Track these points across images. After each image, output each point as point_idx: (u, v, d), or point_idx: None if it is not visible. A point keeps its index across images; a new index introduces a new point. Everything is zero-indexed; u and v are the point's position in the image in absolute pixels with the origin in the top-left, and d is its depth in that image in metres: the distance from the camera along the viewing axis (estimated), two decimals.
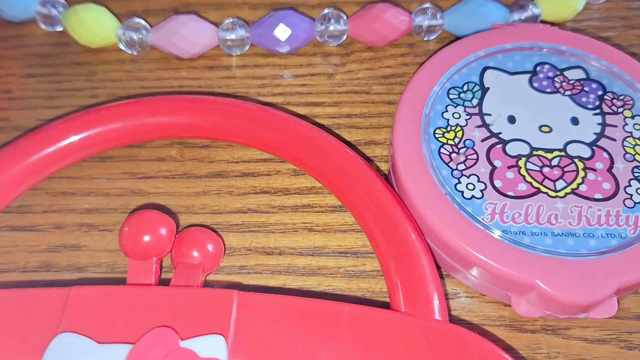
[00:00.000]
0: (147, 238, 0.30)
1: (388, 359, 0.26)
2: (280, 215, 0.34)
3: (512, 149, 0.31)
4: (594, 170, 0.31)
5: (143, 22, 0.38)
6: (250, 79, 0.38)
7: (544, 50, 0.35)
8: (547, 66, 0.34)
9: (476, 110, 0.33)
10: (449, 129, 0.32)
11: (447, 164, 0.31)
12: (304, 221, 0.33)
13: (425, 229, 0.30)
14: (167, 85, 0.38)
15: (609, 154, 0.31)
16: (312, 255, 0.32)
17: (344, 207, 0.33)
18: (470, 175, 0.31)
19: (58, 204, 0.34)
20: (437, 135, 0.32)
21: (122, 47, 0.38)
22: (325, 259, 0.32)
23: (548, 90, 0.33)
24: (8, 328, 0.27)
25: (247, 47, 0.38)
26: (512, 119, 0.32)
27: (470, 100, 0.33)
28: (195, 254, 0.31)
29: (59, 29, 0.40)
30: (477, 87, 0.33)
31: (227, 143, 0.35)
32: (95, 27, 0.38)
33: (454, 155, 0.31)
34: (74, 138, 0.33)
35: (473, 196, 0.30)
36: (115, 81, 0.38)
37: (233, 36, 0.38)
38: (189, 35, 0.37)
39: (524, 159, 0.31)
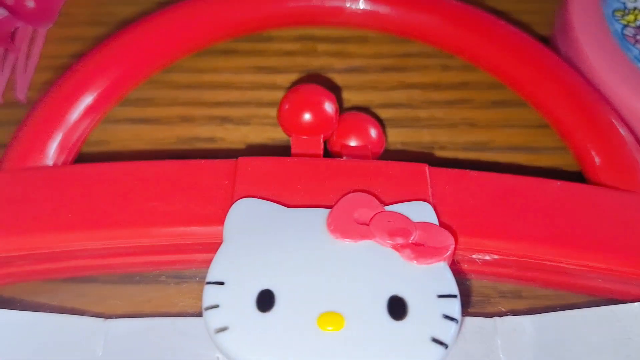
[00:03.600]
0: (315, 112, 0.26)
1: (603, 235, 0.23)
2: (433, 110, 0.30)
3: None
4: None
5: None
6: None
7: None
8: None
9: None
10: (627, 11, 0.29)
11: (633, 45, 0.28)
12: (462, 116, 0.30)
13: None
14: None
15: None
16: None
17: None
18: None
19: (183, 97, 0.30)
20: (616, 17, 0.29)
21: None
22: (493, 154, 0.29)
23: None
24: (183, 192, 0.23)
25: None
26: None
27: None
28: (360, 137, 0.27)
29: None
30: None
31: (360, 35, 0.32)
32: None
33: (638, 37, 0.28)
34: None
35: None
36: None
37: None
38: None
39: None
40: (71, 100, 0.27)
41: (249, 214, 0.22)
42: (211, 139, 0.29)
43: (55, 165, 0.25)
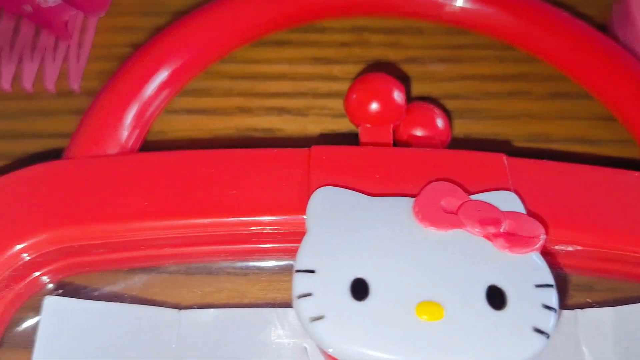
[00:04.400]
0: (384, 101, 0.26)
1: None
2: (492, 101, 0.30)
3: None
4: None
5: None
6: None
7: None
8: None
9: None
10: None
11: None
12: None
13: None
14: None
15: None
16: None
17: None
18: None
19: (239, 87, 0.30)
20: None
21: None
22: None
23: None
24: (258, 181, 0.23)
25: None
26: None
27: None
28: (428, 126, 0.26)
29: None
30: None
31: (414, 26, 0.32)
32: None
33: None
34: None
35: None
36: None
37: None
38: None
39: None
40: (134, 90, 0.26)
41: (331, 202, 0.22)
42: (269, 130, 0.29)
43: (124, 153, 0.25)
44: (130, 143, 0.25)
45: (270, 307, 0.23)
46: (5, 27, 0.31)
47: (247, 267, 0.25)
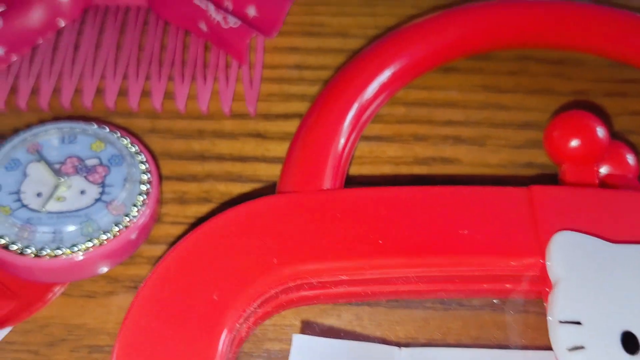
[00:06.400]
0: (588, 139, 0.26)
1: None
2: None
3: None
4: None
5: None
6: None
7: None
8: None
9: None
10: None
11: None
12: None
13: None
14: None
15: None
16: None
17: None
18: None
19: (413, 114, 0.30)
20: None
21: None
22: None
23: None
24: (483, 220, 0.24)
25: None
26: None
27: None
28: (622, 164, 0.26)
29: None
30: None
31: (577, 58, 0.32)
32: None
33: None
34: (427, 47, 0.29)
35: None
36: None
37: None
38: None
39: None
40: (335, 125, 0.26)
41: (573, 248, 0.22)
42: (447, 159, 0.29)
43: (343, 189, 0.25)
44: (338, 175, 0.25)
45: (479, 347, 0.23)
46: (174, 45, 0.31)
47: (449, 302, 0.25)
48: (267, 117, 0.30)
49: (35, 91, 0.30)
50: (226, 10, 0.31)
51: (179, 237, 0.26)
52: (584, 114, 0.26)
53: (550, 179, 0.28)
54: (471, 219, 0.23)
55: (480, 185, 0.25)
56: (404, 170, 0.29)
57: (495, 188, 0.24)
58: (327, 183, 0.25)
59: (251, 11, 0.31)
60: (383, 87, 0.28)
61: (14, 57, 0.30)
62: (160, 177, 0.28)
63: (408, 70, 0.28)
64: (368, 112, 0.27)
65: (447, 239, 0.23)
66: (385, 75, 0.28)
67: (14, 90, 0.30)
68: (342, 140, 0.26)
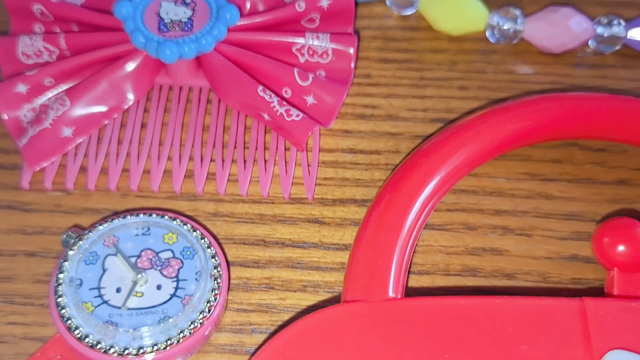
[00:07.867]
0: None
1: None
2: None
3: None
4: None
5: (518, 10, 0.35)
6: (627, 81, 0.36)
7: None
8: None
9: None
10: None
11: None
12: None
13: None
14: (541, 81, 0.36)
15: None
16: None
17: None
18: None
19: (463, 202, 0.32)
20: None
21: (489, 35, 0.36)
22: None
23: None
24: (539, 335, 0.25)
25: (618, 47, 0.36)
26: None
27: None
28: None
29: (410, 12, 0.37)
30: None
31: (619, 146, 0.34)
32: (468, 13, 0.35)
33: None
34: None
35: None
36: (481, 72, 0.36)
37: (606, 33, 0.35)
38: (574, 28, 0.35)
39: None
40: (395, 231, 0.28)
41: None
42: (497, 250, 0.31)
43: (404, 298, 0.26)
44: (402, 280, 0.27)
45: None
46: (236, 127, 0.33)
47: None
48: (323, 202, 0.32)
49: (103, 171, 0.32)
50: (285, 96, 0.32)
51: (243, 324, 0.29)
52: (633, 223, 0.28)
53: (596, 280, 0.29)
54: (529, 333, 0.25)
55: (533, 294, 0.26)
56: (456, 260, 0.30)
57: (550, 300, 0.26)
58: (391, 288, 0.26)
59: (310, 99, 0.32)
60: (442, 186, 0.29)
61: (81, 139, 0.32)
62: (229, 266, 0.29)
63: (464, 167, 0.30)
64: (428, 208, 0.28)
65: (509, 355, 0.24)
66: (444, 172, 0.29)
67: (82, 170, 0.32)
68: (407, 248, 0.27)
